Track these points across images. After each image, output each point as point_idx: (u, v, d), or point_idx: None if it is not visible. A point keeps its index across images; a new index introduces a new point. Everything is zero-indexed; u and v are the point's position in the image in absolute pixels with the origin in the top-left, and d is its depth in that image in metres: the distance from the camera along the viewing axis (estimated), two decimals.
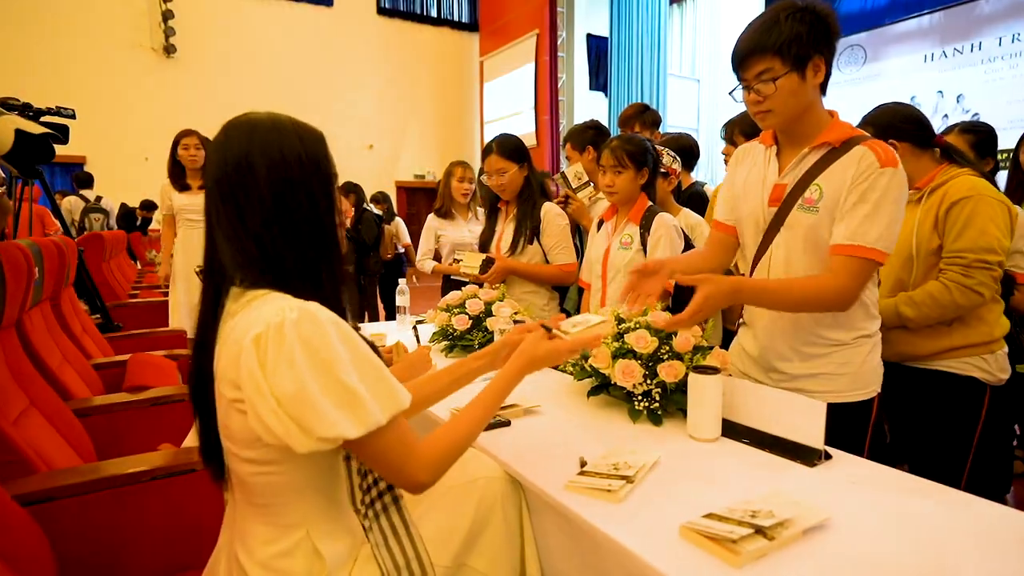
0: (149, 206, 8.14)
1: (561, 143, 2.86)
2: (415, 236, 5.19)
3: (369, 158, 12.12)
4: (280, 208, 0.87)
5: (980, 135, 2.01)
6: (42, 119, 3.12)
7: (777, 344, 1.41)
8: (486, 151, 2.32)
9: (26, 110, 3.06)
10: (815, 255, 1.31)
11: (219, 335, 0.89)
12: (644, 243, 1.93)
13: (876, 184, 1.21)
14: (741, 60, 1.28)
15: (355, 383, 0.80)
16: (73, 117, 3.20)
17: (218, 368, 0.87)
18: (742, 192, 1.45)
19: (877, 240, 1.21)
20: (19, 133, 2.03)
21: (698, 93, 9.52)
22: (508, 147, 2.27)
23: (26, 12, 9.31)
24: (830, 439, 1.14)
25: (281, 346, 0.78)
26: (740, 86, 1.31)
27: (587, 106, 10.43)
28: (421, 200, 12.52)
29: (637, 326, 1.41)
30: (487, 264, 2.20)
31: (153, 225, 8.18)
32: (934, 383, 1.61)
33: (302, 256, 0.89)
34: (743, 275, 1.49)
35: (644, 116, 2.64)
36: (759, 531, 0.84)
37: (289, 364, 0.78)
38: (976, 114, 6.43)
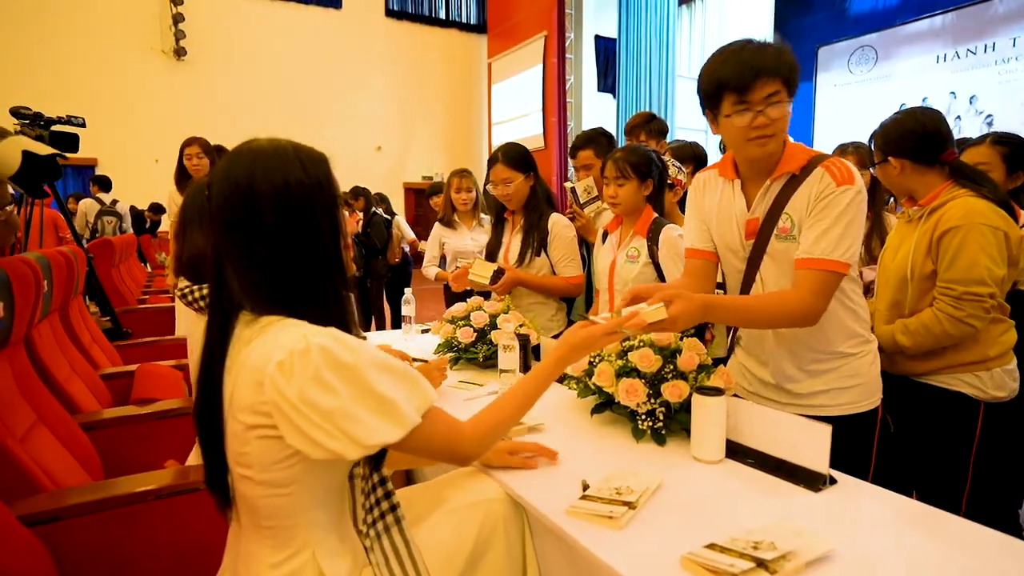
0: (158, 209, 8.22)
1: (569, 150, 2.82)
2: (421, 237, 5.21)
3: (378, 160, 12.17)
4: (286, 236, 0.88)
5: (1013, 147, 1.91)
6: (53, 128, 3.16)
7: (784, 366, 1.41)
8: (491, 160, 2.31)
9: (37, 119, 3.09)
10: None
11: (230, 361, 0.89)
12: (652, 255, 1.91)
13: (835, 202, 1.24)
14: (751, 80, 1.23)
15: (387, 391, 0.85)
16: (83, 126, 3.23)
17: (232, 395, 0.87)
18: (715, 224, 1.46)
19: (834, 251, 1.24)
20: (26, 155, 2.06)
21: None
22: (514, 157, 2.25)
23: (38, 15, 9.41)
24: (840, 451, 1.14)
25: (309, 369, 0.81)
26: (737, 109, 1.26)
27: (595, 108, 10.41)
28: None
29: (641, 344, 1.41)
30: (497, 275, 2.19)
31: (162, 227, 8.25)
32: (927, 396, 1.62)
33: (309, 282, 0.90)
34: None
35: (650, 125, 2.62)
36: (761, 564, 0.83)
37: (323, 385, 0.81)
38: (990, 115, 6.36)
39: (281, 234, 0.87)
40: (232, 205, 0.87)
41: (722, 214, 1.43)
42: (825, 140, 7.20)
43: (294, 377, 0.80)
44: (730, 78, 1.24)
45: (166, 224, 7.56)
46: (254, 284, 0.88)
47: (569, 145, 10.04)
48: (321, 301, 0.90)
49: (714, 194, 1.46)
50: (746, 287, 1.42)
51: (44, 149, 2.17)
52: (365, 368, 0.84)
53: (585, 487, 1.11)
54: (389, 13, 12.35)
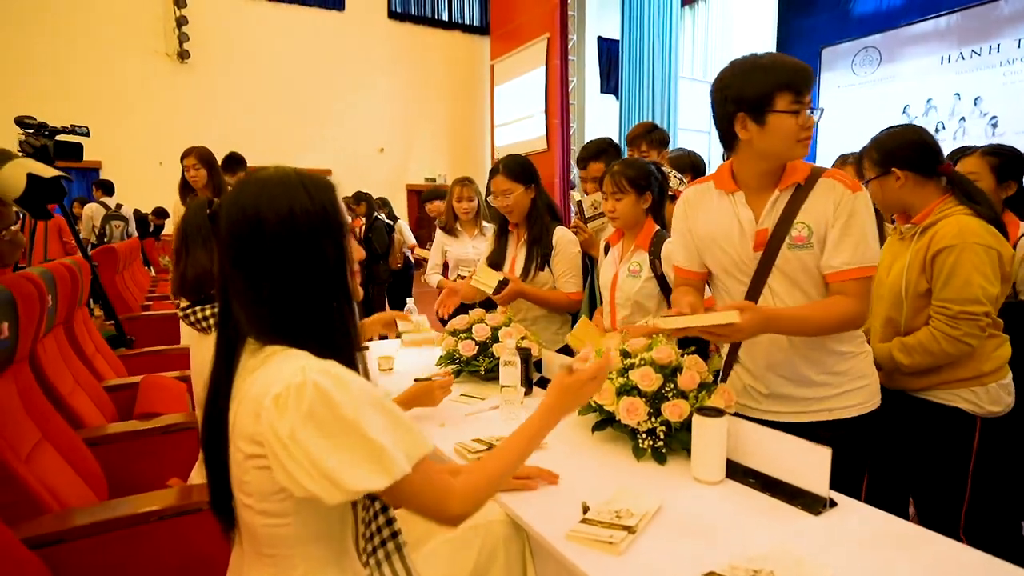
0: (161, 213, 8.24)
1: (577, 160, 2.79)
2: (423, 240, 5.21)
3: (380, 161, 12.19)
4: (291, 264, 0.87)
5: (1003, 158, 1.91)
6: (57, 137, 3.18)
7: (806, 372, 1.41)
8: (492, 172, 2.30)
9: (42, 129, 3.11)
10: (814, 287, 1.38)
11: (235, 389, 0.89)
12: (655, 269, 1.90)
13: (855, 209, 1.31)
14: (808, 82, 1.29)
15: (378, 436, 0.82)
16: (87, 135, 3.25)
17: (235, 423, 0.88)
18: (713, 240, 1.46)
19: (871, 258, 1.33)
20: (31, 177, 2.07)
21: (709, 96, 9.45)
22: (514, 168, 2.23)
23: (38, 16, 9.45)
24: (843, 455, 1.15)
25: (302, 406, 0.79)
26: (792, 108, 1.27)
27: (598, 110, 10.39)
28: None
29: (643, 362, 1.41)
30: (502, 285, 2.18)
31: (167, 231, 8.28)
32: (924, 412, 1.63)
33: (313, 311, 0.89)
34: None
35: (651, 135, 2.61)
36: None
37: (314, 423, 0.79)
38: (994, 117, 6.32)
39: (286, 263, 0.87)
40: (238, 234, 0.88)
41: (723, 228, 1.43)
42: (828, 141, 7.17)
43: (287, 413, 0.79)
44: (789, 79, 1.28)
45: (170, 227, 7.59)
46: (258, 313, 0.88)
47: (571, 146, 10.07)
48: (325, 331, 0.90)
49: (709, 208, 1.47)
50: (751, 300, 1.41)
51: (48, 171, 2.17)
52: (360, 408, 0.82)
53: (585, 509, 1.11)
54: (392, 15, 12.36)
